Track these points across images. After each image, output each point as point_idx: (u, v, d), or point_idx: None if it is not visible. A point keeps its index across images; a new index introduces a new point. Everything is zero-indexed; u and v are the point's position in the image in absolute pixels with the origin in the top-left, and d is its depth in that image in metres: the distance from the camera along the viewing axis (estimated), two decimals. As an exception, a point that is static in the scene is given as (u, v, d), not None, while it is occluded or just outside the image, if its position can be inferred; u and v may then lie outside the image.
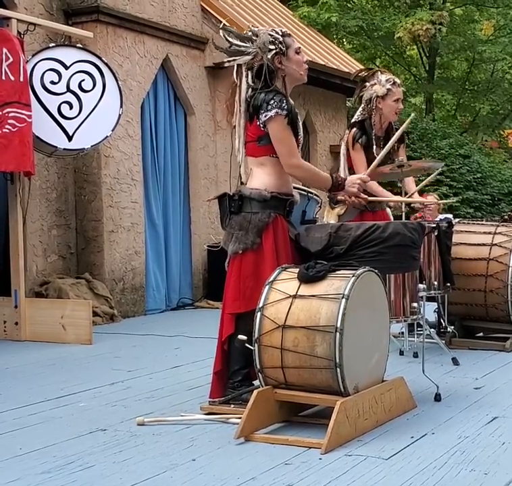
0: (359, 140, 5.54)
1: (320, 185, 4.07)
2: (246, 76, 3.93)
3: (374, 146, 5.56)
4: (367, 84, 5.59)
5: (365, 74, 5.68)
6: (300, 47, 4.03)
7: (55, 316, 6.42)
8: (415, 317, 4.37)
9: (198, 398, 4.22)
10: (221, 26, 4.11)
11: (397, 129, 5.75)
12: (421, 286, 4.32)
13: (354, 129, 5.59)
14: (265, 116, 3.84)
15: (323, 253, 3.89)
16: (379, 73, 5.63)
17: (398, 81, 5.60)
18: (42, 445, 3.47)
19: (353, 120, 5.73)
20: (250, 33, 3.97)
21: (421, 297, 4.32)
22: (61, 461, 3.25)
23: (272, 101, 3.83)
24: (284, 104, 3.84)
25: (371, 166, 4.49)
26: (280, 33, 3.97)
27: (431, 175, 5.66)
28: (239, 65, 3.96)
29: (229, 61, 3.98)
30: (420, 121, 15.97)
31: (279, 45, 3.92)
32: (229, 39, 3.96)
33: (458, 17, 18.43)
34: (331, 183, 4.02)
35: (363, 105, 5.65)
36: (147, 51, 8.40)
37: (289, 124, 3.87)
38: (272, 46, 3.90)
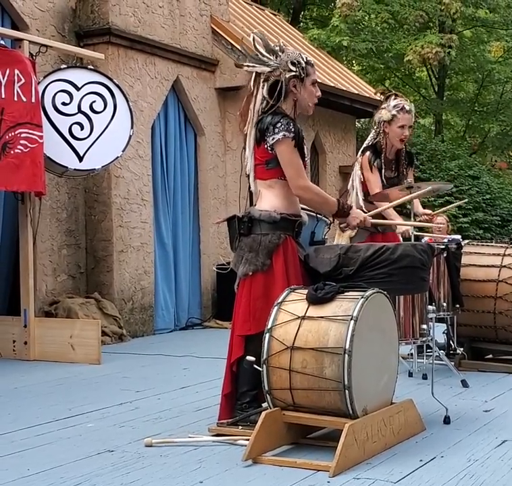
0: (375, 163, 5.57)
1: (326, 209, 4.07)
2: (262, 87, 3.95)
3: (385, 169, 5.59)
4: (380, 107, 5.63)
5: (383, 97, 5.71)
6: (317, 81, 4.05)
7: (64, 335, 6.43)
8: (424, 339, 4.36)
9: (206, 419, 4.21)
10: (254, 31, 4.13)
11: (408, 153, 5.80)
12: (430, 308, 4.32)
13: (368, 152, 5.62)
14: (273, 139, 3.86)
15: (333, 274, 3.89)
16: (392, 97, 5.63)
17: (407, 107, 5.54)
18: (50, 466, 3.46)
19: (366, 143, 5.75)
20: (277, 47, 3.99)
21: (431, 318, 4.31)
22: (68, 482, 3.24)
23: (279, 124, 3.85)
24: (291, 127, 3.86)
25: (391, 204, 4.57)
26: (305, 59, 3.99)
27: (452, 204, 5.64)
28: (258, 74, 3.96)
29: (249, 66, 3.98)
30: (429, 142, 16.00)
31: (300, 70, 3.93)
32: (257, 46, 3.98)
33: (467, 39, 18.52)
34: (337, 209, 4.02)
35: (374, 128, 5.68)
36: (158, 73, 8.47)
37: (296, 147, 3.88)
38: (293, 68, 3.92)
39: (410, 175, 5.75)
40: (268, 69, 3.93)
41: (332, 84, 10.87)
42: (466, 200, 5.30)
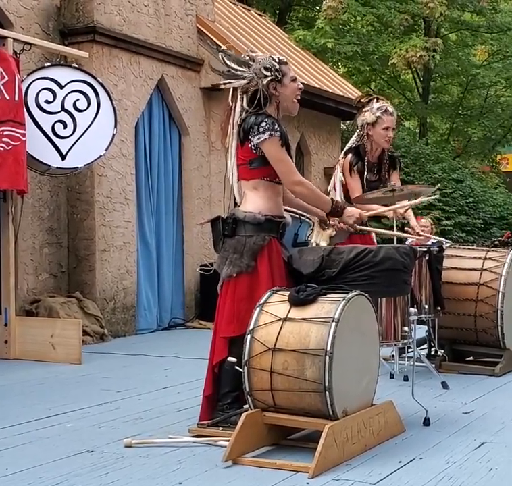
0: (355, 167, 5.58)
1: (320, 205, 4.12)
2: (241, 100, 3.98)
3: (367, 172, 5.60)
4: (363, 110, 5.64)
5: (364, 101, 5.72)
6: (295, 76, 4.08)
7: (45, 334, 6.39)
8: (405, 341, 4.37)
9: (186, 420, 4.20)
10: (220, 49, 4.15)
11: (390, 156, 5.81)
12: (412, 310, 4.33)
13: (350, 155, 5.63)
14: (259, 138, 3.87)
15: (315, 276, 3.90)
16: (375, 100, 5.65)
17: (390, 109, 5.59)
18: (29, 466, 3.45)
19: (348, 146, 5.76)
20: (247, 58, 4.02)
21: (412, 321, 4.33)
22: (47, 482, 3.23)
23: (264, 123, 3.87)
24: (276, 127, 3.88)
25: (375, 211, 4.59)
26: (277, 60, 4.02)
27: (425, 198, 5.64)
28: (235, 89, 4.00)
29: (225, 84, 4.03)
30: (413, 145, 16.06)
31: (275, 72, 3.96)
32: (227, 62, 4.01)
33: (452, 43, 18.59)
34: (331, 208, 4.07)
35: (357, 131, 5.70)
36: (142, 71, 8.45)
37: (283, 146, 3.90)
38: (268, 73, 3.95)
39: (395, 179, 5.76)
40: (245, 81, 3.96)
41: (317, 86, 10.87)
42: (438, 186, 5.35)
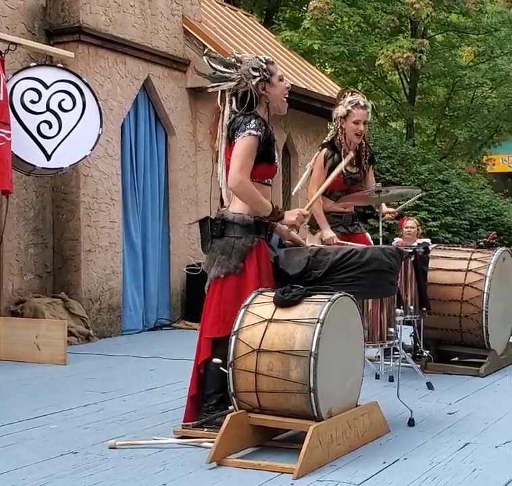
0: (330, 160, 5.59)
1: (260, 209, 3.91)
2: (230, 102, 3.96)
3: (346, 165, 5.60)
4: (339, 103, 5.67)
5: (347, 94, 5.72)
6: (283, 75, 4.09)
7: (30, 335, 6.36)
8: (391, 342, 4.38)
9: (171, 421, 4.19)
10: (204, 52, 4.14)
11: (369, 149, 5.82)
12: (398, 311, 4.34)
13: (325, 149, 5.65)
14: (241, 137, 3.86)
15: (302, 276, 3.90)
16: (349, 94, 5.67)
17: (362, 103, 5.57)
18: (13, 467, 3.44)
19: (325, 140, 5.78)
20: (233, 59, 4.01)
21: (398, 321, 4.34)
22: (30, 484, 3.22)
23: (250, 123, 3.86)
24: (262, 127, 3.87)
25: (313, 197, 4.42)
26: (264, 60, 4.02)
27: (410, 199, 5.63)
28: (223, 91, 3.99)
29: (213, 87, 4.01)
30: (400, 146, 16.09)
31: (263, 72, 3.96)
32: (213, 65, 3.99)
33: (439, 44, 18.66)
34: (272, 211, 3.92)
35: (333, 125, 5.72)
36: (128, 71, 8.42)
37: (262, 147, 3.86)
38: (256, 73, 3.95)
39: (370, 175, 5.78)
40: (233, 83, 3.95)
41: (304, 86, 10.88)
42: (423, 193, 5.35)
